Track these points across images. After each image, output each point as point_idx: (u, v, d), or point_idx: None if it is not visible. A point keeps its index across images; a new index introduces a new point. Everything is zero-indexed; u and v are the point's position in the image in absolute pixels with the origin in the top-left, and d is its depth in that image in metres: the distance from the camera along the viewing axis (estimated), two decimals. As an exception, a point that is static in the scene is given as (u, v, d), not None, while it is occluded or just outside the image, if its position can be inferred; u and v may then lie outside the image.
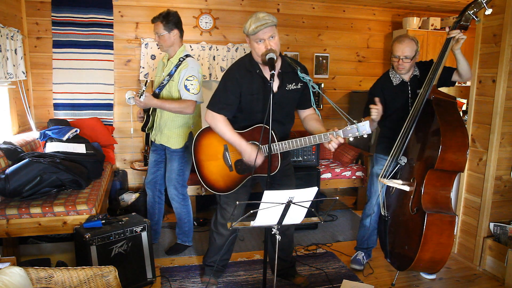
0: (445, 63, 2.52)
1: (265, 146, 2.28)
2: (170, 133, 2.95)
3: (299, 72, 2.27)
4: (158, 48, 3.02)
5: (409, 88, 2.69)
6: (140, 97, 2.67)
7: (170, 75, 2.88)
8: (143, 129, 3.14)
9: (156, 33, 2.86)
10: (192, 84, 2.78)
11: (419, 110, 2.44)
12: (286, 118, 2.42)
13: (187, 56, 2.91)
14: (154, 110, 3.04)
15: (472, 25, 2.41)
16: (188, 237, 3.28)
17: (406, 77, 2.71)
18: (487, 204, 2.96)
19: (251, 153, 2.25)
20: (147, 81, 2.74)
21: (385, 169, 2.59)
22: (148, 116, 3.07)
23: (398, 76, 2.72)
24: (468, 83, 3.56)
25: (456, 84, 2.80)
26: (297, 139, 2.18)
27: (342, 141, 2.08)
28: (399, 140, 2.51)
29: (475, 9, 2.31)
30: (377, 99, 2.49)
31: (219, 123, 2.30)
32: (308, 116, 2.46)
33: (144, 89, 2.70)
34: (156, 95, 2.95)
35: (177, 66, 2.87)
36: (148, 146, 3.25)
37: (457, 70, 2.60)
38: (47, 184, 2.78)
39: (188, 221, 3.22)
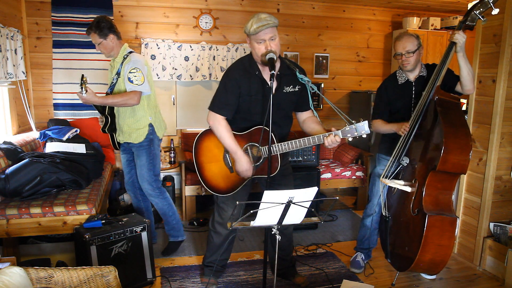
0: (455, 72, 2.50)
1: (265, 148, 2.28)
2: (130, 129, 2.98)
3: (297, 73, 2.27)
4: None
5: (413, 88, 2.68)
6: (82, 94, 2.65)
7: (118, 73, 2.93)
8: (102, 130, 3.11)
9: (95, 43, 2.91)
10: (135, 76, 2.81)
11: (422, 110, 2.43)
12: (284, 120, 2.42)
13: (130, 52, 2.95)
14: (111, 110, 3.03)
15: (477, 25, 2.37)
16: (178, 231, 3.25)
17: (412, 77, 2.69)
18: (487, 204, 2.96)
19: (244, 164, 2.29)
20: (82, 75, 2.68)
21: (387, 170, 2.58)
22: (106, 117, 3.06)
23: (404, 75, 2.71)
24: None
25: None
26: (296, 140, 2.18)
27: (339, 140, 2.09)
28: (402, 140, 2.50)
29: (481, 9, 2.25)
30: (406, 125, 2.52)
31: (220, 126, 2.31)
32: (307, 119, 2.46)
33: (86, 84, 2.66)
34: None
35: (122, 63, 2.92)
36: (116, 148, 3.22)
37: (459, 80, 2.52)
38: (47, 184, 2.79)
39: (173, 214, 3.19)
